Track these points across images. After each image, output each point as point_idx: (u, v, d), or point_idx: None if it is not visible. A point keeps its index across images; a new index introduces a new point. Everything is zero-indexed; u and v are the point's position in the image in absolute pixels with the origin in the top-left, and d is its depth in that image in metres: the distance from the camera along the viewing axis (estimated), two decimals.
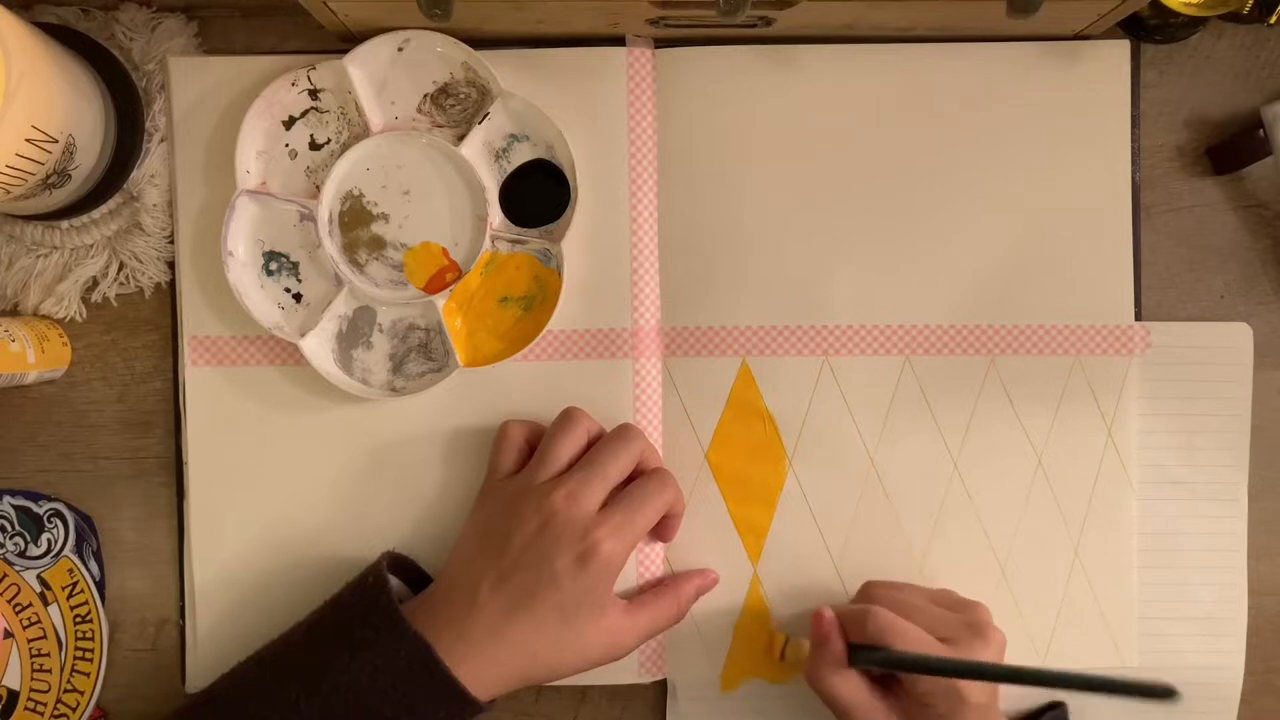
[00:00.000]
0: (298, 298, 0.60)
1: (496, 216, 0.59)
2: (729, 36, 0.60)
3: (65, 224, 0.59)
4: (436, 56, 0.58)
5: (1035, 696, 0.59)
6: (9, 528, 0.60)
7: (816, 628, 0.55)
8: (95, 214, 0.59)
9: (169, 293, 0.61)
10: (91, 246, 0.60)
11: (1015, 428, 0.60)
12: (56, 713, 0.60)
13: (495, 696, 0.54)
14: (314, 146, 0.59)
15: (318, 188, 0.59)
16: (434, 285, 0.59)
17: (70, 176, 0.55)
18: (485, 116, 0.58)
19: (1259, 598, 0.61)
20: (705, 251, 0.60)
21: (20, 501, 0.60)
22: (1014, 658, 0.59)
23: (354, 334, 0.60)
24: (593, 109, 0.59)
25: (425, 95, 0.59)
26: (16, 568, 0.60)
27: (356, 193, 0.59)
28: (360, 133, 0.59)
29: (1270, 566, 0.61)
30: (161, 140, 0.60)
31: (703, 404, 0.60)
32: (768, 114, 0.60)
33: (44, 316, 0.60)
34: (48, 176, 0.53)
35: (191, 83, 0.59)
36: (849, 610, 0.55)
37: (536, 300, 0.60)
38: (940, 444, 0.60)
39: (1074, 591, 0.60)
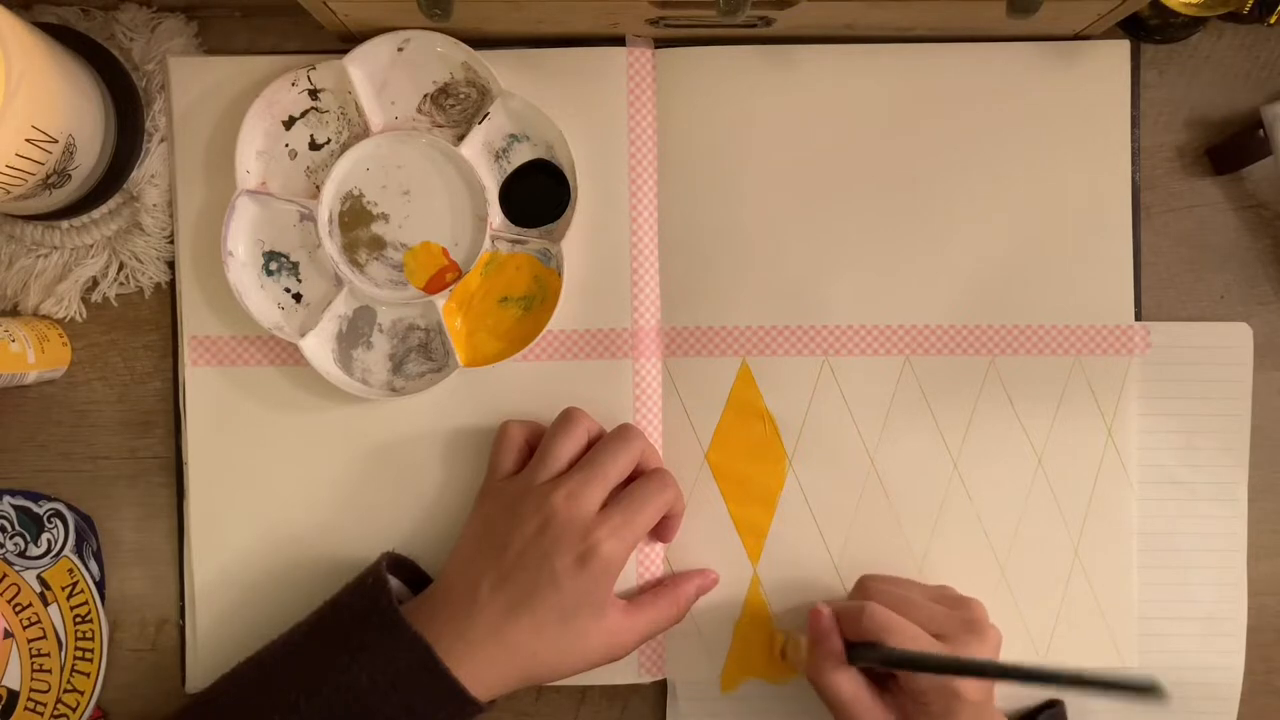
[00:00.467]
0: (298, 298, 0.60)
1: (496, 216, 0.59)
2: (729, 36, 0.60)
3: (65, 224, 0.59)
4: (436, 56, 0.58)
5: (1033, 695, 0.59)
6: (9, 528, 0.60)
7: (814, 626, 0.55)
8: (95, 214, 0.59)
9: (169, 293, 0.61)
10: (91, 246, 0.60)
11: (1015, 428, 0.60)
12: (56, 713, 0.60)
13: (495, 697, 0.54)
14: (314, 146, 0.59)
15: (318, 188, 0.59)
16: (434, 285, 0.59)
17: (70, 176, 0.55)
18: (485, 116, 0.58)
19: (1259, 598, 0.61)
20: (705, 251, 0.60)
21: (20, 501, 0.60)
22: (1014, 657, 0.59)
23: (354, 334, 0.60)
24: (593, 109, 0.59)
25: (425, 95, 0.59)
26: (16, 568, 0.60)
27: (356, 193, 0.59)
28: (360, 133, 0.59)
29: (1270, 566, 0.61)
30: (161, 140, 0.60)
31: (703, 404, 0.60)
32: (768, 114, 0.60)
33: (44, 316, 0.60)
34: (48, 176, 0.53)
35: (191, 83, 0.59)
36: (845, 607, 0.55)
37: (536, 300, 0.60)
38: (940, 444, 0.60)
39: (1074, 591, 0.60)
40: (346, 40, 0.58)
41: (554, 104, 0.58)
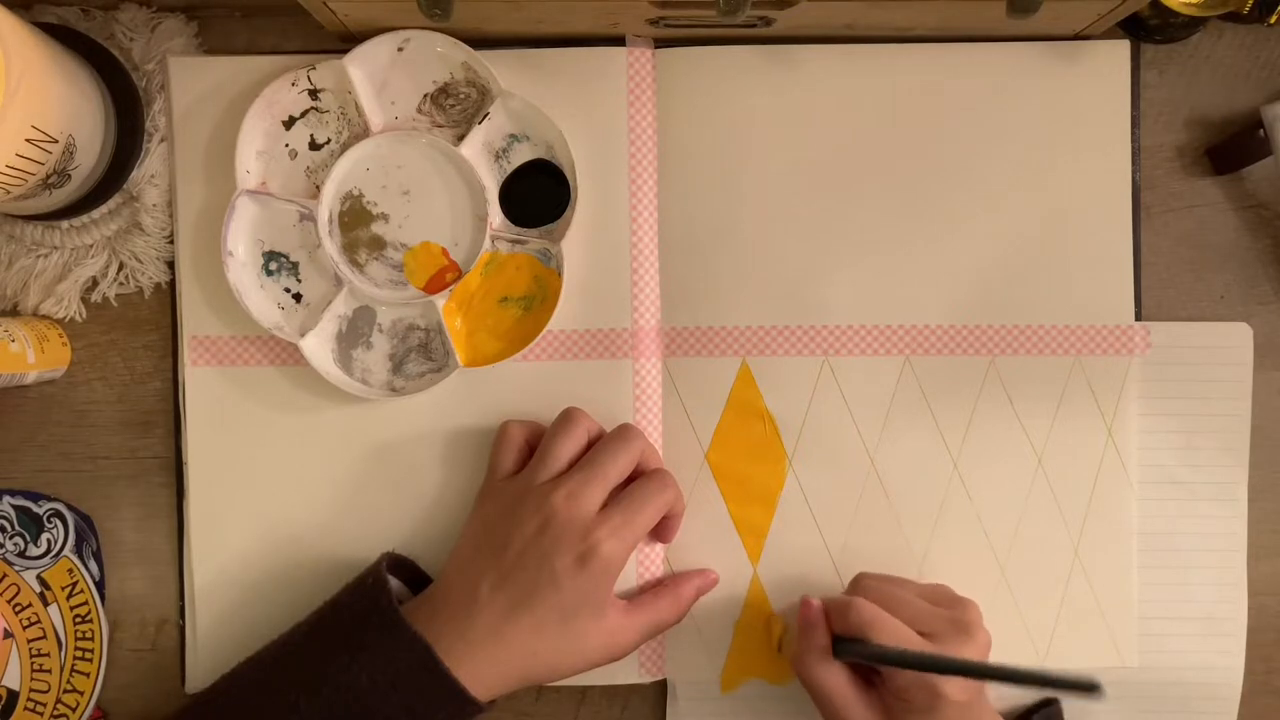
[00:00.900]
0: (298, 298, 0.60)
1: (496, 216, 0.59)
2: (729, 36, 0.60)
3: (65, 224, 0.59)
4: (436, 56, 0.58)
5: (1033, 694, 0.59)
6: (9, 528, 0.60)
7: (802, 615, 0.55)
8: (95, 214, 0.59)
9: (169, 293, 0.61)
10: (91, 246, 0.60)
11: (1015, 428, 0.60)
12: (56, 713, 0.60)
13: (495, 697, 0.54)
14: (314, 146, 0.59)
15: (318, 188, 0.59)
16: (434, 285, 0.59)
17: (70, 176, 0.55)
18: (485, 116, 0.58)
19: (1259, 598, 0.61)
20: (705, 251, 0.60)
21: (20, 501, 0.60)
22: (1013, 657, 0.59)
23: (354, 334, 0.60)
24: (593, 109, 0.59)
25: (425, 95, 0.59)
26: (16, 568, 0.60)
27: (356, 193, 0.59)
28: (360, 133, 0.59)
29: (1270, 566, 0.61)
30: (161, 140, 0.60)
31: (703, 404, 0.60)
32: (768, 114, 0.60)
33: (44, 316, 0.60)
34: (48, 176, 0.53)
35: (191, 83, 0.59)
36: (835, 601, 0.55)
37: (536, 300, 0.60)
38: (940, 444, 0.60)
39: (1074, 591, 0.60)
40: (346, 40, 0.58)
41: (554, 104, 0.58)
